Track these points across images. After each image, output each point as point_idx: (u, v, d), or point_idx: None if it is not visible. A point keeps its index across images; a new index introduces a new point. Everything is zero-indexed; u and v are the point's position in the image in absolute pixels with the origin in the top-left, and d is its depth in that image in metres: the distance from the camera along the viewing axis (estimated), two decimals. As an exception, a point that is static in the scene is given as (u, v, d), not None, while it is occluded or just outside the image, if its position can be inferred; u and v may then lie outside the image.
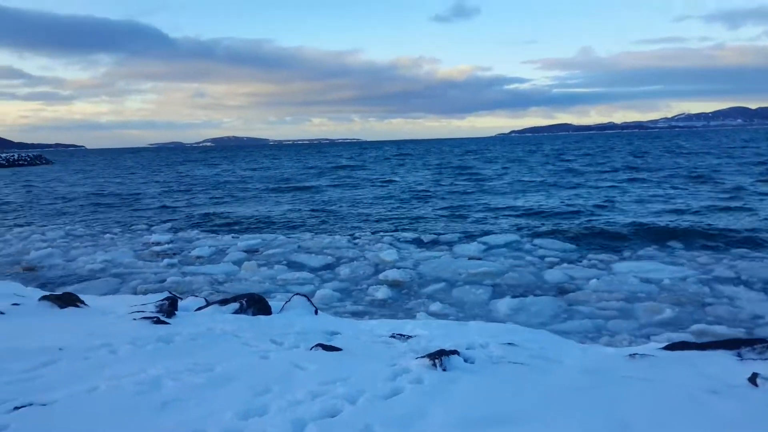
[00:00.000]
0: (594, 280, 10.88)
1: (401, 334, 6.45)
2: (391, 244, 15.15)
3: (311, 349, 5.46)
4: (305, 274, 12.29)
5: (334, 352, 5.36)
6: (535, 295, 10.26)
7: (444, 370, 4.63)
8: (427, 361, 4.77)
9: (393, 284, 11.34)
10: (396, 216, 21.03)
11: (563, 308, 9.52)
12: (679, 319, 8.81)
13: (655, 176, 33.52)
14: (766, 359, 5.00)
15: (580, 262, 12.79)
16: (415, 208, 23.10)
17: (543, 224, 18.07)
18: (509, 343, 5.67)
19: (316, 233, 17.71)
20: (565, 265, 12.46)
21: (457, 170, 45.02)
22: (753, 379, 4.36)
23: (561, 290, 10.56)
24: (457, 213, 21.41)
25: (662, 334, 7.90)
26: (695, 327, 8.33)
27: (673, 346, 5.55)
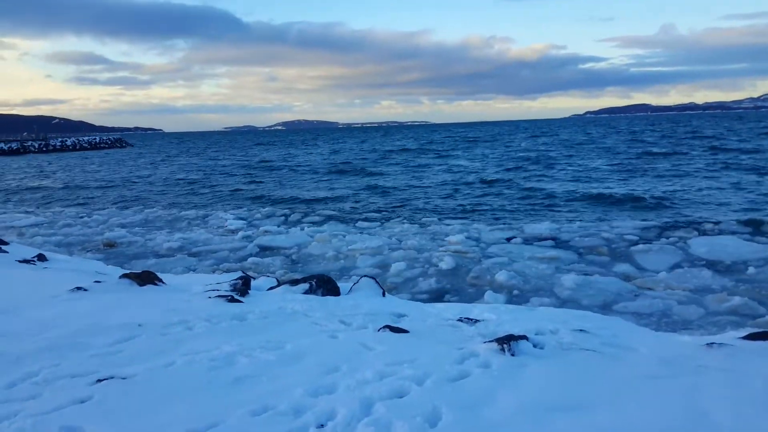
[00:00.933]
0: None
1: (469, 318, 6.41)
2: (457, 226, 15.13)
3: (379, 330, 5.51)
4: (373, 243, 12.55)
5: (402, 334, 5.39)
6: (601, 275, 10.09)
7: (512, 355, 4.58)
8: (495, 345, 4.73)
9: (457, 253, 11.52)
10: (463, 203, 20.86)
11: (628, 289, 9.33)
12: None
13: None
14: None
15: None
16: (484, 195, 22.86)
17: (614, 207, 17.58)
18: (580, 330, 5.56)
19: (383, 217, 17.83)
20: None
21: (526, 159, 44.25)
22: (843, 372, 4.12)
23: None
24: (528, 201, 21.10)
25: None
26: None
27: (753, 336, 5.30)
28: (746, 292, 9.19)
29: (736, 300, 8.68)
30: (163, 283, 7.51)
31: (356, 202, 21.83)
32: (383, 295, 7.81)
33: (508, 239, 13.54)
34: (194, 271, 11.63)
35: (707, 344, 4.98)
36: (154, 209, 21.18)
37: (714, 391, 3.80)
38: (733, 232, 13.54)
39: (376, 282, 8.04)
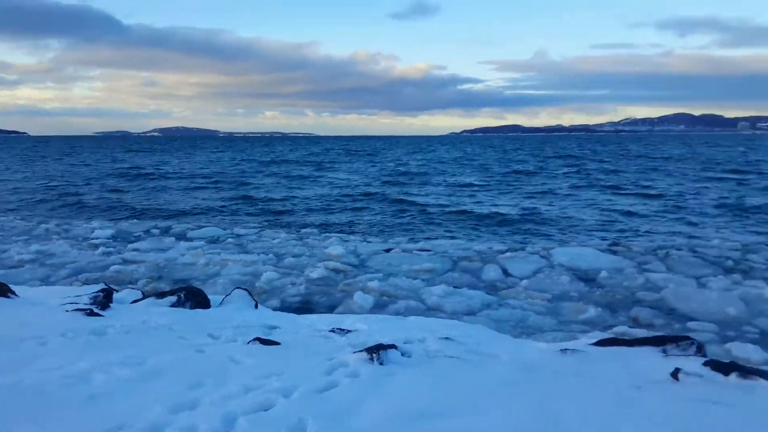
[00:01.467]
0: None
1: (341, 329, 6.45)
2: (336, 240, 15.13)
3: (248, 343, 5.41)
4: (248, 254, 12.37)
5: (272, 346, 5.33)
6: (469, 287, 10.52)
7: (381, 364, 4.66)
8: (364, 355, 4.79)
9: (333, 270, 11.58)
10: (341, 215, 20.97)
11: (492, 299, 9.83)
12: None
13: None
14: (688, 355, 5.19)
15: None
16: (363, 208, 23.09)
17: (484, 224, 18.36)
18: (446, 338, 5.75)
19: (260, 228, 17.57)
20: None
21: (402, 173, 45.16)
22: (675, 374, 4.53)
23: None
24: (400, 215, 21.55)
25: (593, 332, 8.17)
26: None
27: (603, 342, 5.71)
28: (600, 297, 9.95)
29: (591, 309, 9.29)
30: (16, 295, 6.97)
31: (231, 213, 21.36)
32: (256, 307, 7.68)
33: (387, 250, 13.72)
34: (52, 283, 10.87)
35: (561, 350, 5.30)
36: (9, 218, 19.62)
37: (566, 395, 4.05)
38: (590, 245, 14.53)
39: (249, 294, 7.89)
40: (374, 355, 4.74)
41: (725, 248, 13.50)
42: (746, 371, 4.65)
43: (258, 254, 13.38)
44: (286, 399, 3.86)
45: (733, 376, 4.55)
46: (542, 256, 12.79)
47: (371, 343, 5.18)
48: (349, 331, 6.34)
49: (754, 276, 11.16)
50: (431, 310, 9.23)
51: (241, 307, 7.41)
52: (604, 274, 11.25)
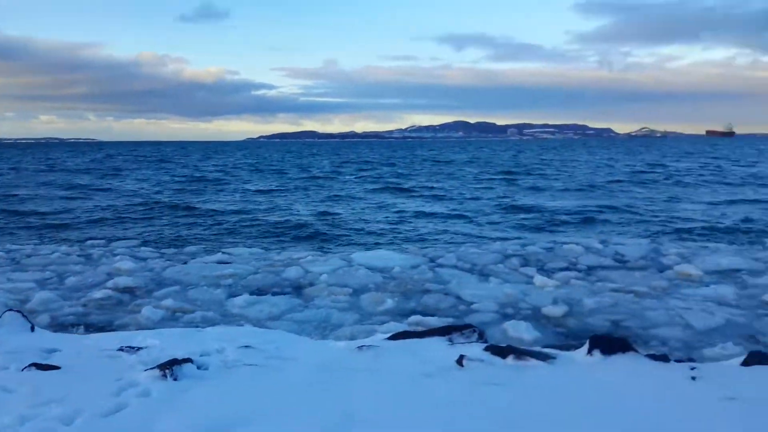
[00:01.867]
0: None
1: (130, 347, 6.04)
2: (126, 254, 14.10)
3: (23, 369, 4.88)
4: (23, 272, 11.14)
5: (52, 371, 4.86)
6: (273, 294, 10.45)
7: (175, 379, 4.46)
8: (156, 372, 4.56)
9: (123, 287, 10.76)
10: (130, 226, 19.68)
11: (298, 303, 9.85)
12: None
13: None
14: (471, 342, 5.66)
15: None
16: (154, 218, 21.89)
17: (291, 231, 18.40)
18: (246, 346, 5.65)
19: (36, 243, 15.92)
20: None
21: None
22: (460, 360, 4.91)
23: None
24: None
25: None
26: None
27: (396, 336, 6.01)
28: (396, 288, 10.52)
29: (388, 300, 9.78)
30: None
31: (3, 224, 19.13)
32: (32, 329, 6.92)
33: (185, 262, 13.06)
34: None
35: (358, 347, 5.49)
36: None
37: (361, 390, 4.20)
38: (385, 246, 15.20)
39: (23, 315, 7.09)
40: (167, 371, 4.53)
41: (504, 243, 14.83)
42: (520, 353, 5.17)
43: (34, 272, 12.06)
44: (68, 427, 3.56)
45: (510, 358, 5.05)
46: (342, 259, 13.07)
47: (165, 359, 4.93)
48: (140, 348, 5.95)
49: (529, 264, 12.43)
50: (233, 320, 9.00)
51: (13, 330, 6.62)
52: (397, 269, 11.80)
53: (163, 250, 14.69)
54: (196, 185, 34.93)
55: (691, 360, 5.81)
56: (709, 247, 14.38)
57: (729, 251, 13.80)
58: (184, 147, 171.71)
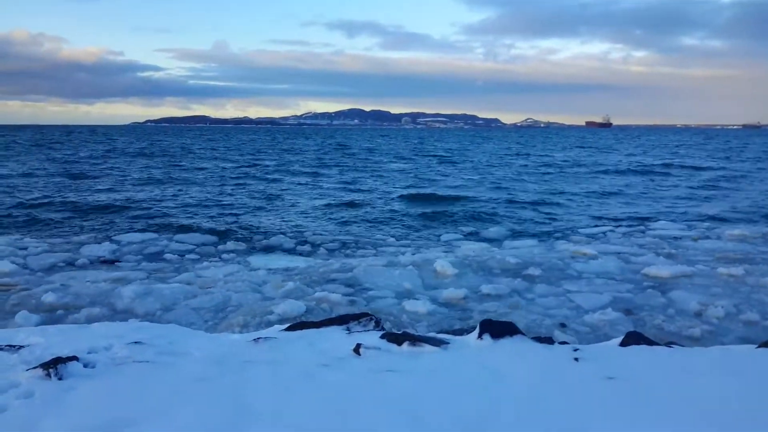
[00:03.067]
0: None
1: (11, 345, 5.68)
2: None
3: None
4: None
5: None
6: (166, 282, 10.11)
7: (60, 379, 4.24)
8: (40, 371, 4.32)
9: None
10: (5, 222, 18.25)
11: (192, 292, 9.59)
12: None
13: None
14: (368, 330, 5.75)
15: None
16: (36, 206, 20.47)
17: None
18: (136, 342, 5.44)
19: None
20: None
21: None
22: (357, 349, 4.98)
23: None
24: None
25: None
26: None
27: (293, 327, 6.01)
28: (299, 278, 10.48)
29: (290, 285, 9.82)
30: None
31: None
32: None
33: (72, 263, 12.13)
34: None
35: (254, 339, 5.43)
36: None
37: (257, 383, 4.17)
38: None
39: None
40: (51, 370, 4.30)
41: (398, 244, 14.94)
42: (415, 339, 5.32)
43: None
44: (-61, 436, 3.31)
45: (405, 345, 5.18)
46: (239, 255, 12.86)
47: (48, 358, 4.68)
48: (21, 347, 5.60)
49: (426, 255, 12.70)
50: (122, 314, 8.62)
51: None
52: (301, 264, 11.76)
53: (47, 245, 13.75)
54: (75, 168, 32.93)
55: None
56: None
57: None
58: (62, 130, 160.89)
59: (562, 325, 8.26)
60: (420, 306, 8.96)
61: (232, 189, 26.07)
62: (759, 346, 5.46)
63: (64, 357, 4.55)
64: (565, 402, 3.87)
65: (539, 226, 17.10)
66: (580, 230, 16.07)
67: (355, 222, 17.52)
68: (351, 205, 21.13)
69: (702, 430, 3.42)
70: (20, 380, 4.19)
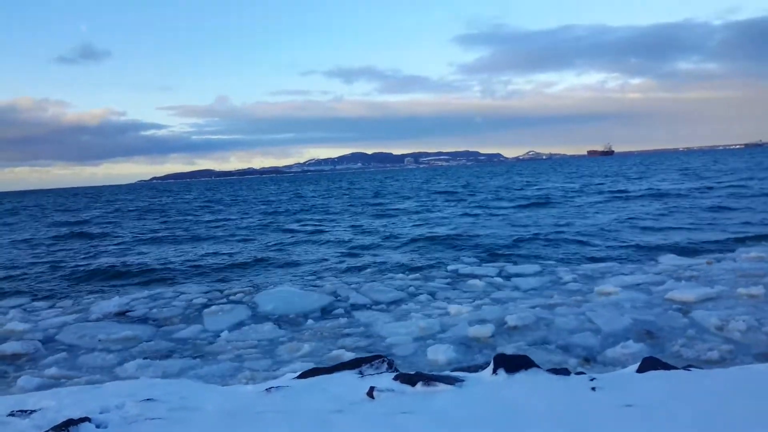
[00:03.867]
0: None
1: (22, 410, 5.64)
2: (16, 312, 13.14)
3: None
4: None
5: (-69, 449, 4.46)
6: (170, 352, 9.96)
7: (72, 441, 4.21)
8: (51, 435, 4.28)
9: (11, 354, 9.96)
10: (16, 283, 18.33)
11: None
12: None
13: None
14: (381, 373, 5.68)
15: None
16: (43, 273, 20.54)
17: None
18: (148, 399, 5.40)
19: None
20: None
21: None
22: (370, 392, 4.92)
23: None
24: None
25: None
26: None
27: (305, 374, 5.94)
28: (312, 337, 10.21)
29: (305, 347, 9.50)
30: None
31: None
32: None
33: (92, 320, 12.16)
34: None
35: (266, 389, 5.37)
36: None
37: (270, 433, 4.12)
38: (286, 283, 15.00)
39: None
40: (63, 433, 4.27)
41: (407, 279, 14.90)
42: (428, 378, 5.25)
43: None
44: None
45: (419, 386, 5.10)
46: (247, 305, 12.82)
47: (60, 420, 4.64)
48: (33, 411, 5.56)
49: (438, 298, 12.58)
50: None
51: None
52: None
53: (59, 305, 13.79)
54: (76, 228, 33.14)
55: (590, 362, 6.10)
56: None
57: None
58: (66, 193, 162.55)
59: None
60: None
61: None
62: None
63: (75, 419, 4.51)
64: (585, 431, 3.80)
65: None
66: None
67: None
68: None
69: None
70: (32, 446, 4.15)
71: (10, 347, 10.27)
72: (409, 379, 5.24)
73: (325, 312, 11.89)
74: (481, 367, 6.03)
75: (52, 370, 8.99)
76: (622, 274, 13.74)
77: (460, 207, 36.68)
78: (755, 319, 9.12)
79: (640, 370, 5.45)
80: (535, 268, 15.03)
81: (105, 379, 8.53)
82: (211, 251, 22.18)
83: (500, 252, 18.21)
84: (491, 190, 54.43)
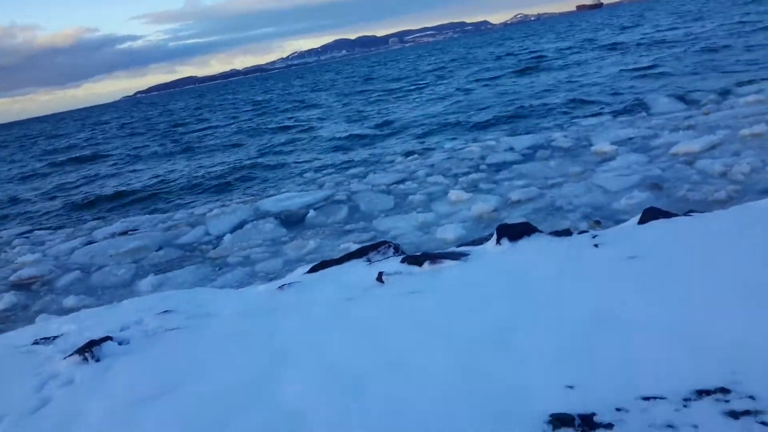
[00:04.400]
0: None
1: (46, 338, 5.80)
2: (23, 244, 13.29)
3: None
4: None
5: (-37, 382, 4.60)
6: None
7: (97, 360, 4.33)
8: (76, 357, 4.40)
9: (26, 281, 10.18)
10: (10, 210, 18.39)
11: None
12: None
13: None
14: (388, 257, 5.77)
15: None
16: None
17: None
18: (165, 311, 5.52)
19: None
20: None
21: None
22: (379, 277, 5.01)
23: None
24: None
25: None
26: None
27: (315, 268, 6.04)
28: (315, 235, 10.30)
29: (311, 244, 9.62)
30: None
31: None
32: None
33: (89, 242, 12.37)
34: None
35: (279, 287, 5.48)
36: None
37: (288, 329, 4.22)
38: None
39: None
40: (87, 354, 4.38)
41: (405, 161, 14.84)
42: (434, 257, 5.32)
43: None
44: (-8, 435, 3.40)
45: (425, 265, 5.18)
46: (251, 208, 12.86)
47: (83, 343, 4.77)
48: (56, 337, 5.71)
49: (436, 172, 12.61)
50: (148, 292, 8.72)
51: None
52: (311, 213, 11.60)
53: (59, 232, 13.91)
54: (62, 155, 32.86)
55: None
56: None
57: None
58: (54, 120, 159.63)
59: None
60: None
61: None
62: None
63: (97, 339, 4.63)
64: (589, 288, 3.87)
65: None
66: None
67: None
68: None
69: (726, 294, 3.39)
70: (59, 369, 4.28)
71: (27, 272, 10.52)
72: (416, 260, 5.31)
73: (327, 206, 11.95)
74: (486, 239, 6.08)
75: (70, 294, 9.24)
76: (616, 128, 13.69)
77: (453, 83, 35.96)
78: (760, 160, 9.11)
79: (641, 221, 5.48)
80: (530, 135, 14.95)
81: (123, 296, 8.76)
82: (206, 163, 21.98)
83: (494, 123, 18.09)
84: (479, 60, 53.14)
